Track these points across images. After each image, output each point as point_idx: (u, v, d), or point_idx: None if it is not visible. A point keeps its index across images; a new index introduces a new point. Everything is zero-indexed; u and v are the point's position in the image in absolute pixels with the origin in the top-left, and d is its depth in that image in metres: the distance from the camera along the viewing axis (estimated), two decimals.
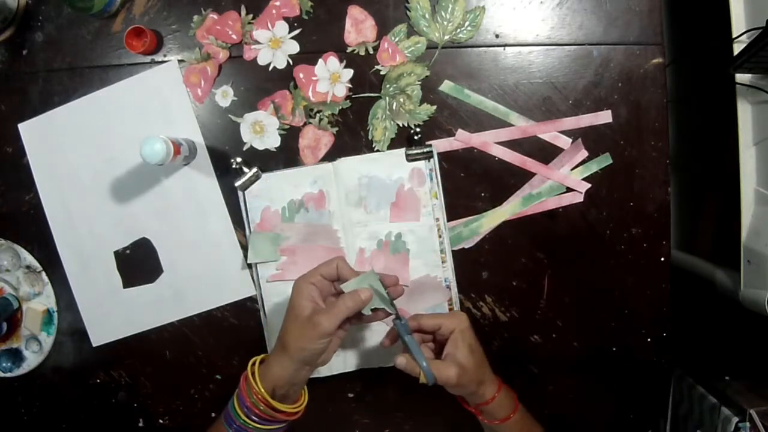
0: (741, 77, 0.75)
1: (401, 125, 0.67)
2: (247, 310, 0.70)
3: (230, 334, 0.70)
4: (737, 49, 0.73)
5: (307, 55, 0.67)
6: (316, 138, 0.67)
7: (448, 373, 0.54)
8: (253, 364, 0.56)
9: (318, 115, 0.67)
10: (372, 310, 0.55)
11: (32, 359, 0.72)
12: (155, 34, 0.67)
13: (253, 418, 0.54)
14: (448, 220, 0.68)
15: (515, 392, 0.60)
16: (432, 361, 0.55)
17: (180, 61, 0.67)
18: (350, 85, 0.67)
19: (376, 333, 0.68)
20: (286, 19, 0.66)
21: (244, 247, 0.69)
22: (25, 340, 0.72)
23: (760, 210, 0.76)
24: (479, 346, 0.58)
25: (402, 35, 0.66)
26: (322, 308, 0.54)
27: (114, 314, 0.70)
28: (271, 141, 0.67)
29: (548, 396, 0.71)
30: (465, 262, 0.68)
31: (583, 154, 0.68)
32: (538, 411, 0.69)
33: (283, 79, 0.67)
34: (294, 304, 0.54)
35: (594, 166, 0.68)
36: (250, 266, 0.68)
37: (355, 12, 0.66)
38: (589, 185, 0.68)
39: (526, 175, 0.68)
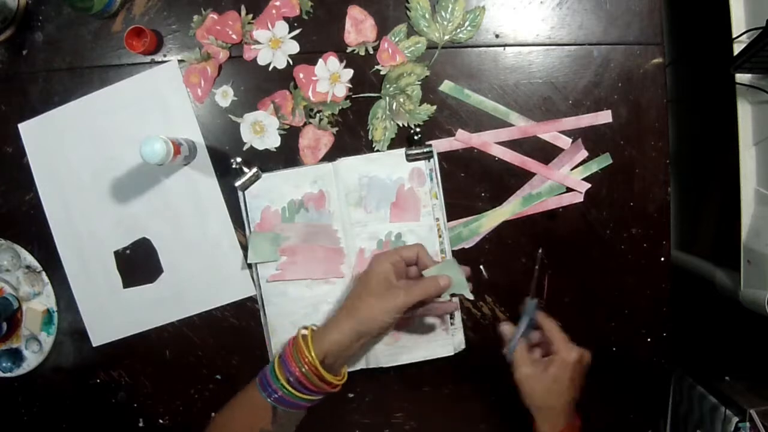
0: (741, 77, 0.75)
1: (401, 125, 0.67)
2: (247, 310, 0.70)
3: (230, 334, 0.70)
4: (737, 49, 0.73)
5: (307, 55, 0.67)
6: (316, 138, 0.67)
7: (524, 364, 0.57)
8: (305, 328, 0.56)
9: (318, 115, 0.67)
10: (451, 295, 0.58)
11: (32, 359, 0.72)
12: (155, 34, 0.67)
13: (296, 385, 0.53)
14: (448, 220, 0.68)
15: None
16: (523, 348, 0.58)
17: (180, 61, 0.67)
18: (350, 85, 0.67)
19: None
20: (286, 19, 0.66)
21: (244, 247, 0.69)
22: (25, 340, 0.72)
23: (760, 210, 0.76)
24: (572, 385, 0.58)
25: (402, 35, 0.66)
26: (401, 284, 0.57)
27: (114, 314, 0.70)
28: (271, 141, 0.67)
29: None
30: (465, 262, 0.68)
31: (583, 154, 0.68)
32: None
33: (283, 79, 0.67)
34: (373, 275, 0.56)
35: (594, 166, 0.68)
36: (250, 266, 0.68)
37: (355, 12, 0.66)
38: (589, 185, 0.68)
39: (526, 175, 0.68)
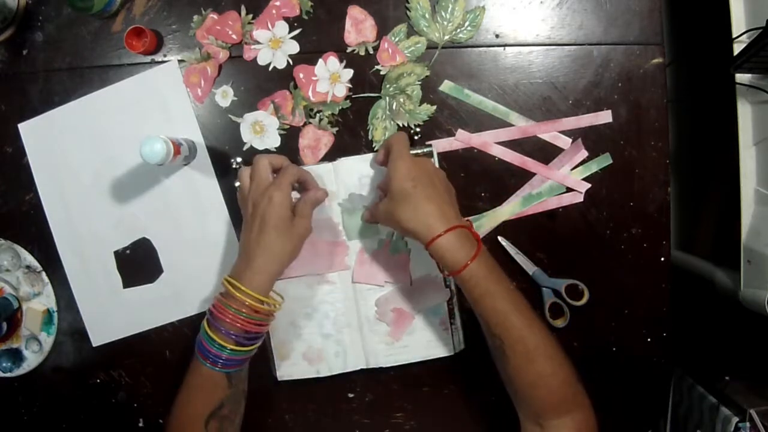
0: (741, 77, 0.75)
1: (401, 125, 0.67)
2: None
3: None
4: (737, 49, 0.73)
5: (307, 55, 0.67)
6: (316, 138, 0.68)
7: (374, 209, 0.59)
8: (227, 280, 0.56)
9: (318, 115, 0.67)
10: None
11: (32, 359, 0.72)
12: (155, 34, 0.67)
13: (239, 338, 0.54)
14: None
15: (481, 244, 0.54)
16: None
17: (180, 61, 0.67)
18: (350, 85, 0.67)
19: (376, 334, 0.68)
20: (286, 19, 0.66)
21: None
22: (25, 340, 0.72)
23: (760, 210, 0.77)
24: (438, 176, 0.58)
25: (402, 35, 0.66)
26: (296, 214, 0.58)
27: (114, 314, 0.70)
28: (271, 141, 0.67)
29: None
30: None
31: (583, 154, 0.68)
32: None
33: (283, 79, 0.67)
34: (278, 215, 0.56)
35: (594, 166, 0.68)
36: None
37: (355, 12, 0.66)
38: (589, 185, 0.68)
39: (526, 175, 0.68)
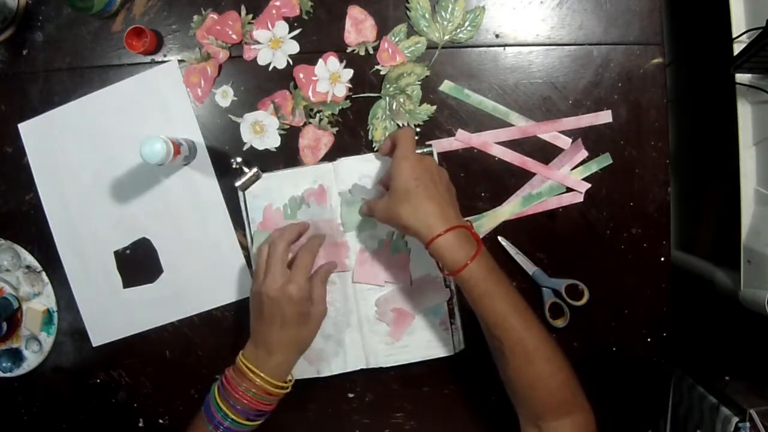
0: (741, 77, 0.75)
1: (401, 125, 0.67)
2: (247, 310, 0.69)
3: (230, 334, 0.70)
4: (737, 49, 0.73)
5: (307, 55, 0.67)
6: (316, 138, 0.68)
7: (375, 204, 0.59)
8: (245, 365, 0.57)
9: (318, 115, 0.67)
10: None
11: (32, 359, 0.72)
12: (155, 34, 0.67)
13: (239, 409, 0.55)
14: None
15: (481, 244, 0.54)
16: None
17: (180, 61, 0.67)
18: (350, 85, 0.67)
19: (376, 334, 0.68)
20: (286, 19, 0.66)
21: (244, 247, 0.69)
22: (25, 340, 0.72)
23: (760, 210, 0.76)
24: (440, 173, 0.58)
25: (402, 35, 0.66)
26: (314, 301, 0.59)
27: (114, 314, 0.70)
28: (271, 141, 0.67)
29: None
30: None
31: (583, 154, 0.68)
32: None
33: (283, 79, 0.67)
34: (298, 312, 0.57)
35: (594, 166, 0.68)
36: (250, 266, 0.68)
37: (355, 12, 0.66)
38: (589, 185, 0.68)
39: (526, 175, 0.68)
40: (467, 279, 0.53)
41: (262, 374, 0.55)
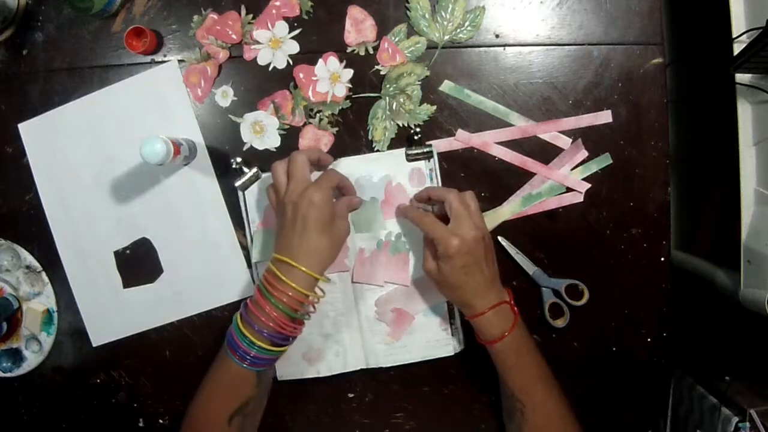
0: (741, 77, 0.75)
1: (401, 125, 0.67)
2: None
3: None
4: (737, 49, 0.73)
5: (307, 55, 0.67)
6: (316, 138, 0.68)
7: (427, 258, 0.59)
8: (279, 259, 0.55)
9: (318, 115, 0.67)
10: None
11: (32, 359, 0.72)
12: (155, 34, 0.67)
13: (265, 333, 0.53)
14: None
15: (517, 316, 0.58)
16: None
17: (180, 61, 0.67)
18: (350, 85, 0.67)
19: (376, 334, 0.68)
20: (286, 19, 0.66)
21: (244, 247, 0.69)
22: (25, 340, 0.72)
23: (760, 210, 0.76)
24: (484, 261, 0.57)
25: (402, 35, 0.66)
26: (336, 216, 0.57)
27: (114, 314, 0.70)
28: (271, 141, 0.67)
29: None
30: None
31: (583, 154, 0.68)
32: None
33: (283, 79, 0.67)
34: (320, 216, 0.55)
35: (594, 166, 0.68)
36: (250, 266, 0.68)
37: (355, 12, 0.66)
38: (589, 185, 0.68)
39: (526, 175, 0.68)
40: (500, 351, 0.57)
41: (291, 283, 0.53)
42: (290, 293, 0.53)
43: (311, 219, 0.54)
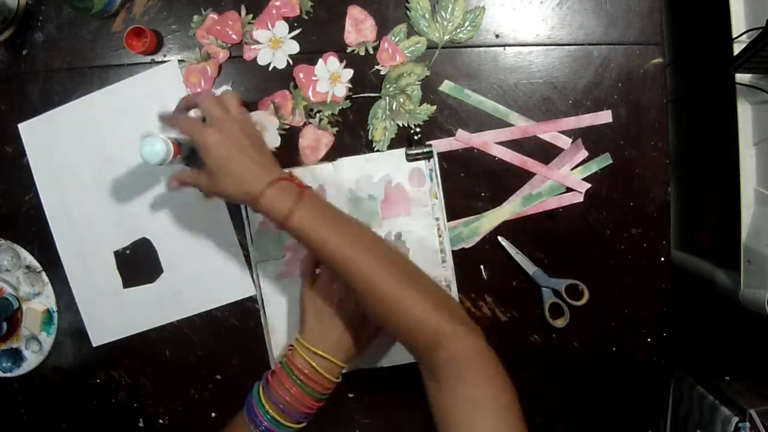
0: (741, 77, 0.75)
1: (401, 125, 0.67)
2: (247, 310, 0.70)
3: (230, 334, 0.70)
4: (737, 49, 0.73)
5: (307, 55, 0.67)
6: (316, 138, 0.67)
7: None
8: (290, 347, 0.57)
9: (318, 115, 0.67)
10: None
11: (32, 359, 0.72)
12: (155, 34, 0.67)
13: (288, 409, 0.54)
14: (448, 220, 0.68)
15: (305, 188, 0.52)
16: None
17: (180, 61, 0.67)
18: (350, 85, 0.67)
19: None
20: (286, 19, 0.66)
21: (244, 247, 0.69)
22: (25, 340, 0.72)
23: (760, 210, 0.76)
24: (251, 138, 0.53)
25: (402, 35, 0.66)
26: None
27: (114, 314, 0.70)
28: (271, 141, 0.67)
29: (548, 396, 0.71)
30: (465, 262, 0.68)
31: (583, 154, 0.68)
32: (537, 410, 0.69)
33: (283, 79, 0.67)
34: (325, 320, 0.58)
35: (594, 166, 0.68)
36: (250, 266, 0.68)
37: (355, 12, 0.66)
38: (589, 185, 0.68)
39: (526, 175, 0.68)
40: (299, 228, 0.49)
41: (322, 372, 0.56)
42: (318, 381, 0.56)
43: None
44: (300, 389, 0.55)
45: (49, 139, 0.69)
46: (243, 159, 0.51)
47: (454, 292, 0.68)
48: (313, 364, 0.56)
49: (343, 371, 0.59)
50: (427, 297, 0.49)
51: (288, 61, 0.67)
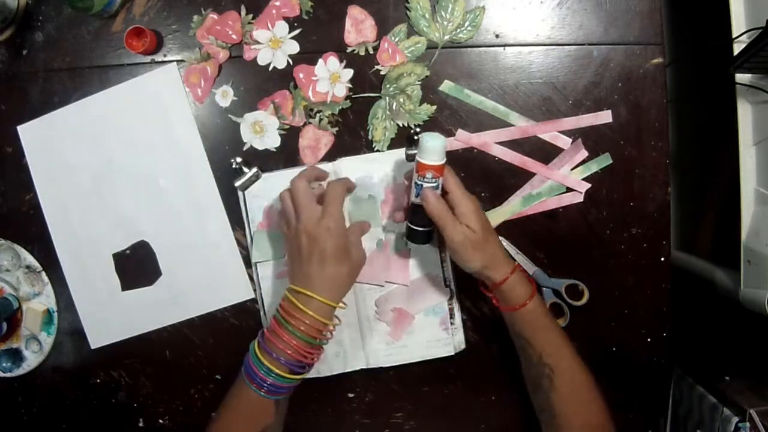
0: (741, 77, 0.75)
1: (401, 125, 0.67)
2: (247, 311, 0.70)
3: (230, 335, 0.70)
4: (737, 49, 0.73)
5: (307, 55, 0.67)
6: (316, 138, 0.67)
7: (455, 230, 0.56)
8: (295, 290, 0.56)
9: (318, 115, 0.67)
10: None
11: (32, 359, 0.72)
12: (155, 34, 0.67)
13: (282, 361, 0.54)
14: None
15: (533, 282, 0.61)
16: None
17: (180, 61, 0.67)
18: (350, 85, 0.67)
19: (376, 333, 0.68)
20: (286, 19, 0.66)
21: (244, 248, 0.69)
22: (25, 340, 0.72)
23: (760, 210, 0.76)
24: (490, 225, 0.59)
25: (402, 35, 0.66)
26: (352, 246, 0.59)
27: (112, 317, 0.70)
28: (271, 141, 0.67)
29: None
30: None
31: (583, 154, 0.68)
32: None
33: (283, 79, 0.67)
34: (337, 246, 0.56)
35: (594, 166, 0.68)
36: (249, 267, 0.68)
37: (355, 12, 0.66)
38: (589, 185, 0.68)
39: (526, 175, 0.68)
40: (529, 311, 0.57)
41: (309, 311, 0.54)
42: (308, 321, 0.54)
43: (329, 250, 0.56)
44: (291, 334, 0.54)
45: (48, 143, 0.69)
46: (498, 241, 0.59)
47: (454, 291, 0.68)
48: (299, 304, 0.54)
49: (336, 311, 0.58)
50: (601, 395, 0.59)
51: (288, 61, 0.67)
